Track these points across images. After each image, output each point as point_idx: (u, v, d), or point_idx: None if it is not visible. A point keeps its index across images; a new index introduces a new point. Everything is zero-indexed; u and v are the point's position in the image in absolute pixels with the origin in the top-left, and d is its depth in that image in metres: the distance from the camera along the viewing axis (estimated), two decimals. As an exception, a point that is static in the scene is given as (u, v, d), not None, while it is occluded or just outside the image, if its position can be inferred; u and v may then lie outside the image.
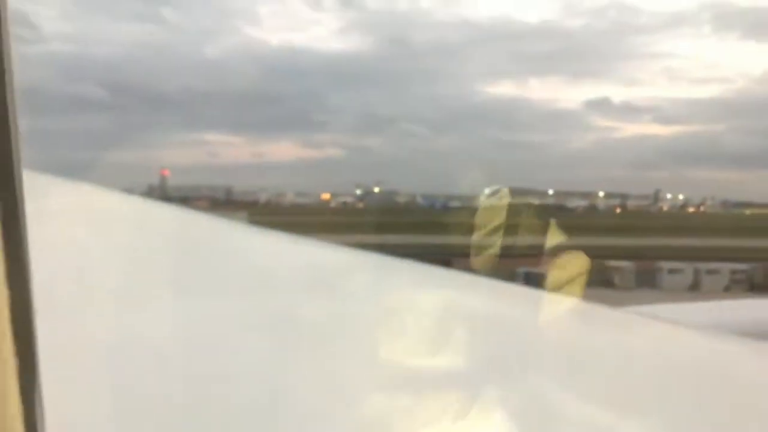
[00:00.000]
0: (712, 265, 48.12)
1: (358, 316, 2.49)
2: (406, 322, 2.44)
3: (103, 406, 1.62)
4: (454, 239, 58.40)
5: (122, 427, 1.50)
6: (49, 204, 6.29)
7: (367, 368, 1.95)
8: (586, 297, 3.14)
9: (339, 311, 2.56)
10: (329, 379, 1.84)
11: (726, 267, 47.88)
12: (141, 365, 1.90)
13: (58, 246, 4.08)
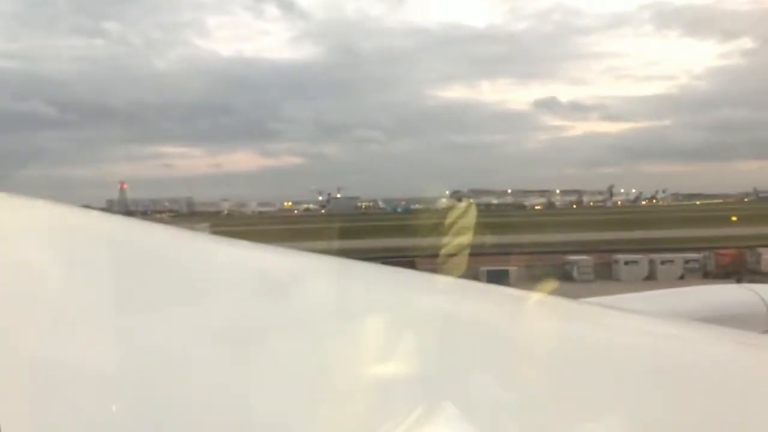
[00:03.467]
0: (667, 256, 49.31)
1: (325, 319, 2.53)
2: (371, 324, 2.48)
3: (61, 423, 1.63)
4: (417, 241, 58.68)
5: None
6: (4, 221, 6.16)
7: (335, 371, 1.98)
8: (548, 291, 3.23)
9: (304, 315, 2.60)
10: (296, 384, 1.87)
11: (680, 257, 49.09)
12: (102, 380, 1.90)
13: (16, 264, 4.02)
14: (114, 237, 5.15)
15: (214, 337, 2.42)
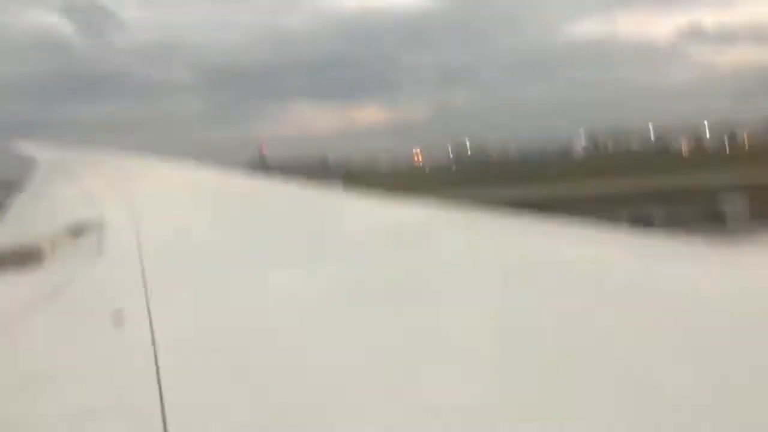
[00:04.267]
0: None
1: (462, 270, 2.52)
2: (508, 276, 2.45)
3: (220, 365, 1.75)
4: (553, 189, 56.93)
5: (246, 381, 1.61)
6: (158, 185, 6.67)
7: (473, 320, 1.98)
8: (699, 233, 3.03)
9: (439, 267, 2.60)
10: (436, 333, 1.89)
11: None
12: (257, 328, 2.02)
13: (169, 222, 4.36)
14: (253, 196, 5.43)
15: (351, 289, 2.51)
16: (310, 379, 1.64)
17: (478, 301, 2.12)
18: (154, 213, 4.73)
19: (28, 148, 15.46)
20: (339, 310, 2.21)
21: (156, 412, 1.43)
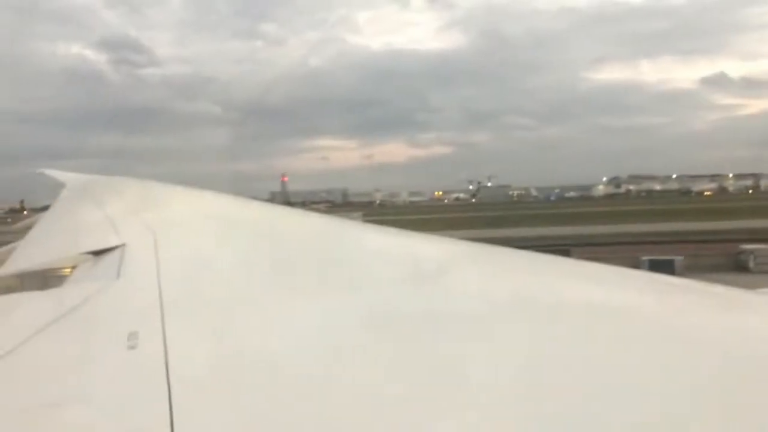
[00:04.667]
0: None
1: (477, 307, 2.49)
2: (525, 312, 2.42)
3: (234, 395, 1.73)
4: (572, 230, 56.58)
5: (248, 415, 1.60)
6: (180, 212, 6.73)
7: (491, 359, 1.95)
8: (720, 282, 2.97)
9: (457, 302, 2.58)
10: (455, 370, 1.86)
11: None
12: (271, 361, 2.00)
13: (190, 249, 4.39)
14: (276, 226, 5.45)
15: (368, 321, 2.48)
16: (327, 412, 1.61)
17: (498, 338, 2.08)
18: (175, 239, 4.76)
19: (56, 174, 15.77)
20: (359, 342, 2.18)
21: None
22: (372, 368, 1.98)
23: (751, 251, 42.61)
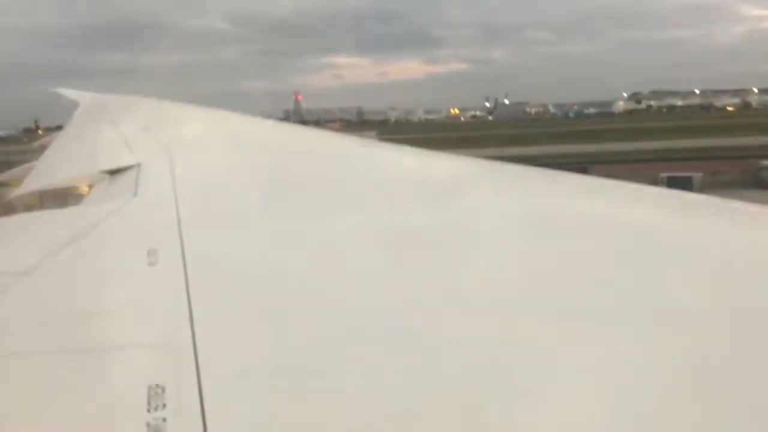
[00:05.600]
0: None
1: (492, 224, 2.49)
2: (540, 230, 2.42)
3: (252, 306, 1.77)
4: (591, 147, 55.90)
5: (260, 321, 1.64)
6: (195, 131, 6.71)
7: (505, 274, 1.97)
8: (738, 198, 2.94)
9: (471, 219, 2.58)
10: (458, 284, 1.88)
11: None
12: (290, 275, 2.04)
13: (205, 167, 4.40)
14: (290, 144, 5.43)
15: (381, 239, 2.50)
16: (341, 324, 1.65)
17: (511, 253, 2.09)
18: (190, 158, 4.77)
19: (70, 93, 15.68)
20: (372, 259, 2.20)
21: (188, 348, 1.45)
22: (385, 283, 2.01)
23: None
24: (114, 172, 4.29)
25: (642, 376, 1.27)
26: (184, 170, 4.03)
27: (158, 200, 3.22)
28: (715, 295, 1.70)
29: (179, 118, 7.94)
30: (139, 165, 4.31)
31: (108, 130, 7.30)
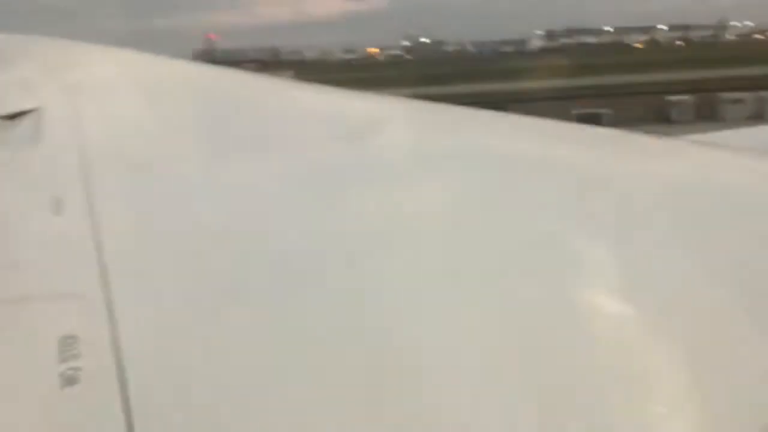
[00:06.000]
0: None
1: (408, 163, 2.51)
2: (455, 169, 2.45)
3: (166, 251, 1.74)
4: (508, 86, 56.67)
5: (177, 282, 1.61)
6: (99, 72, 6.35)
7: (416, 215, 1.99)
8: (642, 132, 3.06)
9: (389, 158, 2.59)
10: (375, 224, 1.90)
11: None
12: (205, 219, 2.00)
13: (112, 111, 4.19)
14: (203, 86, 5.23)
15: (298, 180, 2.48)
16: (258, 269, 1.64)
17: (428, 191, 2.12)
18: (95, 100, 4.51)
19: None
20: (290, 200, 2.18)
21: (101, 298, 1.42)
22: (302, 225, 2.01)
23: (675, 102, 44.08)
24: (12, 117, 4.02)
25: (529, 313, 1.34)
26: (89, 114, 3.83)
27: (61, 146, 3.06)
28: (616, 226, 1.79)
29: (82, 59, 7.47)
30: (39, 109, 4.06)
31: (3, 72, 6.80)
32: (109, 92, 5.17)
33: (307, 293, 1.44)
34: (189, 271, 1.59)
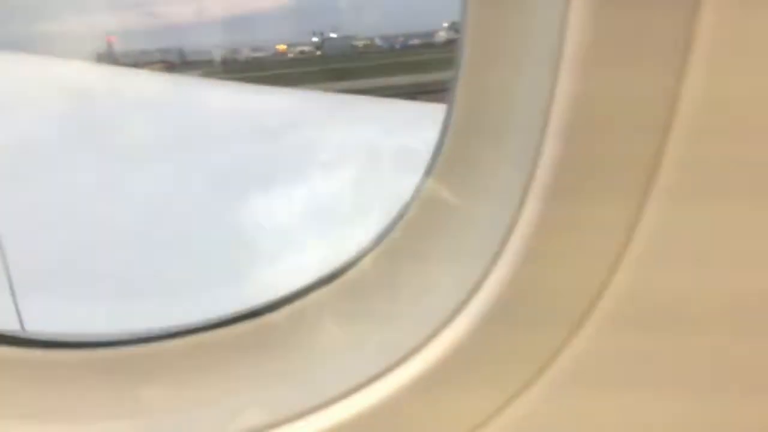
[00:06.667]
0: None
1: (316, 156, 2.54)
2: (365, 158, 2.49)
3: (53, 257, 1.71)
4: (416, 77, 57.14)
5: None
6: None
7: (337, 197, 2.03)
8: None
9: (294, 151, 2.61)
10: (288, 214, 1.93)
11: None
12: (100, 223, 1.97)
13: (15, 115, 3.99)
14: (106, 86, 5.06)
15: (208, 179, 2.46)
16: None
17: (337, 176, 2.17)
18: None
19: None
20: (197, 199, 2.18)
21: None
22: (211, 222, 2.00)
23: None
24: None
25: None
26: None
27: None
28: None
29: None
30: None
31: None
32: (9, 95, 4.92)
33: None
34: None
